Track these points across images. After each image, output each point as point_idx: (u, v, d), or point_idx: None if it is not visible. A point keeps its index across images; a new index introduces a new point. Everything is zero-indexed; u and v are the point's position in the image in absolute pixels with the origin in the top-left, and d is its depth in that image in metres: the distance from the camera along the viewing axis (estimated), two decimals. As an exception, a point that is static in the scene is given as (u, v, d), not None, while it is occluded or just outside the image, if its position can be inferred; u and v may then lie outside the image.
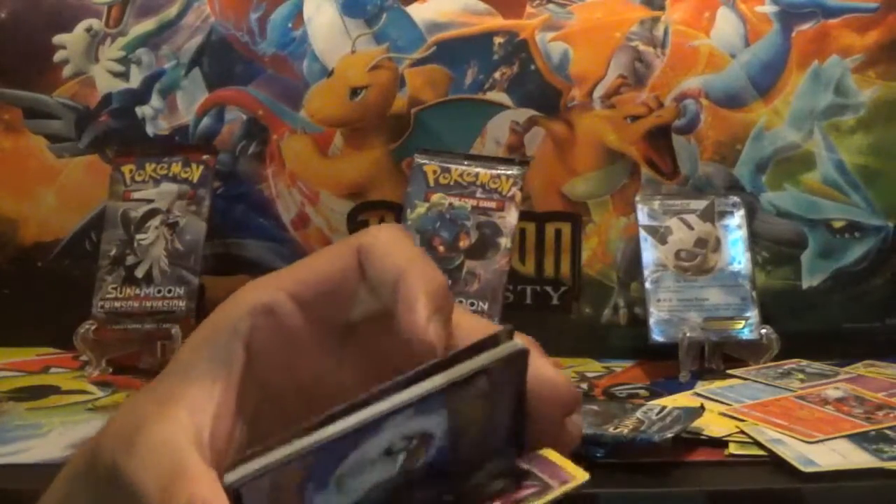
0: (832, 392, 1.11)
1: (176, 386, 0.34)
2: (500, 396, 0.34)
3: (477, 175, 1.28)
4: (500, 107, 1.36)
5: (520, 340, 0.34)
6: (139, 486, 0.31)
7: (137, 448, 0.32)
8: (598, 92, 1.36)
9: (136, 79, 1.39)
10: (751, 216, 1.32)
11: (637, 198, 1.31)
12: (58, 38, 1.38)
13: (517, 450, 0.34)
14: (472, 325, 0.35)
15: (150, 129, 1.39)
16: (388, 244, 0.35)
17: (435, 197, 1.28)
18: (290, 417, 0.34)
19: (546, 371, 0.34)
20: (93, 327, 1.23)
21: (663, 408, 1.01)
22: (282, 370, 0.35)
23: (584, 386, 1.21)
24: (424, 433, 0.32)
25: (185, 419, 0.33)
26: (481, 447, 0.34)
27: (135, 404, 0.35)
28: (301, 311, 0.35)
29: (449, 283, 0.36)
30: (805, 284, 1.36)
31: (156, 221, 1.29)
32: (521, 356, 0.34)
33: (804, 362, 1.24)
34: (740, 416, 1.03)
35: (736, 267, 1.28)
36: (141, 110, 1.39)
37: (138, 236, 1.28)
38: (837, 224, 1.36)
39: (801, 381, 1.17)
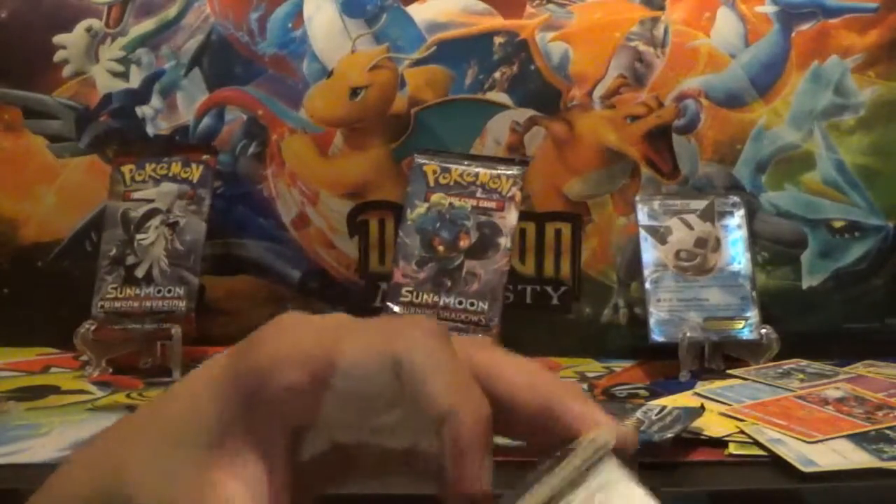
0: (832, 392, 1.11)
1: (205, 449, 0.32)
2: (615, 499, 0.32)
3: (477, 175, 1.28)
4: (500, 107, 1.36)
5: (604, 433, 0.32)
6: None
7: None
8: (598, 92, 1.36)
9: (136, 79, 1.39)
10: (751, 216, 1.32)
11: (637, 198, 1.31)
12: (58, 38, 1.38)
13: None
14: (512, 375, 0.33)
15: (150, 129, 1.39)
16: (430, 358, 0.31)
17: (435, 197, 1.28)
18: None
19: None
20: (93, 327, 1.23)
21: (663, 408, 1.01)
22: (331, 455, 0.33)
23: (585, 386, 1.21)
24: None
25: (240, 488, 0.31)
26: None
27: (162, 445, 0.33)
28: (339, 402, 0.32)
29: (489, 412, 0.32)
30: (805, 284, 1.36)
31: (156, 221, 1.29)
32: (607, 451, 0.32)
33: (804, 362, 1.24)
34: (740, 416, 1.03)
35: (736, 267, 1.28)
36: (141, 110, 1.39)
37: (138, 236, 1.28)
38: (837, 224, 1.36)
39: (801, 381, 1.17)
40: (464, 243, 1.26)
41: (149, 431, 0.34)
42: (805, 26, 1.35)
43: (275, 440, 0.32)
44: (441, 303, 1.23)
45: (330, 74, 1.37)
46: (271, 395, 0.32)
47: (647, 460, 0.93)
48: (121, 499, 0.33)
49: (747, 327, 1.25)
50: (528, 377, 0.33)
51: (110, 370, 1.22)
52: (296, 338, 0.32)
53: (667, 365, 1.24)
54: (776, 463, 0.93)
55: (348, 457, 0.34)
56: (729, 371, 1.21)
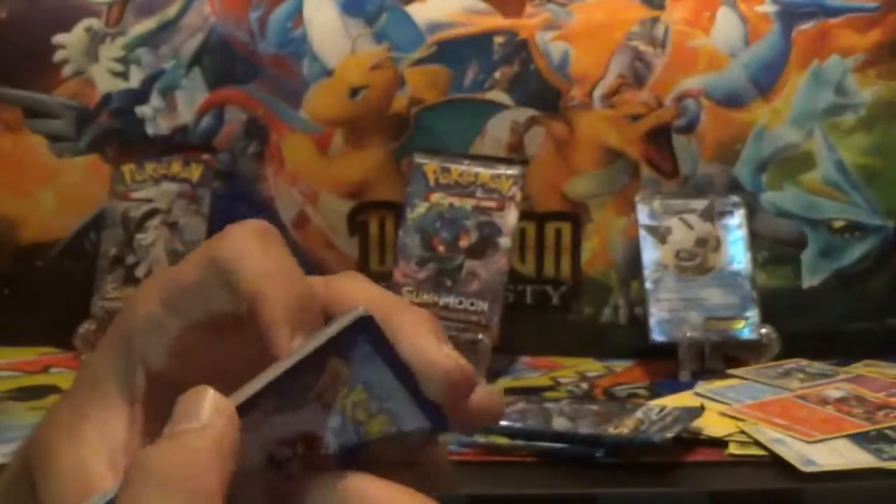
0: (832, 392, 1.11)
1: (86, 401, 0.33)
2: (372, 377, 0.31)
3: (477, 175, 1.28)
4: (500, 107, 1.36)
5: (363, 308, 0.31)
6: None
7: (51, 473, 0.32)
8: (598, 92, 1.36)
9: (136, 79, 1.39)
10: (751, 216, 1.32)
11: (637, 198, 1.31)
12: (58, 38, 1.38)
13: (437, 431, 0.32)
14: (354, 291, 0.34)
15: (150, 129, 1.39)
16: (242, 249, 0.33)
17: (435, 197, 1.28)
18: None
19: (426, 352, 0.32)
20: (93, 327, 1.23)
21: (663, 408, 1.01)
22: (183, 372, 0.34)
23: (585, 386, 1.21)
24: (306, 434, 0.31)
25: (96, 440, 0.32)
26: (390, 440, 0.32)
27: (56, 413, 0.34)
28: (175, 317, 0.33)
29: (305, 291, 0.33)
30: (805, 284, 1.36)
31: (156, 221, 1.29)
32: (366, 323, 0.31)
33: (804, 362, 1.24)
34: (740, 416, 1.03)
35: (736, 267, 1.28)
36: (141, 110, 1.39)
37: (138, 236, 1.28)
38: (837, 224, 1.36)
39: (801, 381, 1.17)
40: (464, 243, 1.26)
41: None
42: (805, 26, 1.35)
43: (132, 371, 0.33)
44: (441, 303, 1.23)
45: (330, 74, 1.37)
46: (125, 328, 0.34)
47: (647, 460, 0.93)
48: (27, 464, 0.34)
49: (747, 327, 1.25)
50: (373, 300, 0.33)
51: (110, 370, 1.22)
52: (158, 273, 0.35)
53: (667, 365, 1.24)
54: (776, 463, 0.93)
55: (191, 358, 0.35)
56: (729, 371, 1.21)
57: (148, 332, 0.34)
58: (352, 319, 0.31)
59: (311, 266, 1.38)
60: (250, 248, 0.33)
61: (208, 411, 0.29)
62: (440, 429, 0.32)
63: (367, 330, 0.31)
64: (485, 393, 0.33)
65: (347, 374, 0.31)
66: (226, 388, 0.31)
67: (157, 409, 0.33)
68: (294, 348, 0.31)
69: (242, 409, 0.30)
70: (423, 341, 0.32)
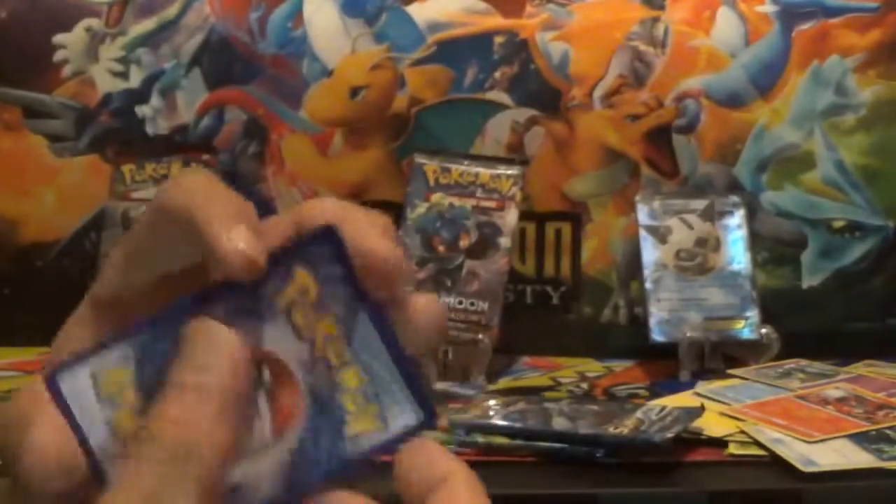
0: (832, 392, 1.11)
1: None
2: (343, 310, 0.31)
3: (477, 175, 1.28)
4: (500, 106, 1.36)
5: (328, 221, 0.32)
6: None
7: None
8: (598, 92, 1.36)
9: (136, 79, 1.39)
10: (751, 216, 1.32)
11: (637, 198, 1.31)
12: (58, 38, 1.38)
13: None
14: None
15: (150, 129, 1.39)
16: (183, 191, 0.33)
17: (435, 197, 1.28)
18: None
19: (367, 240, 0.32)
20: (93, 327, 1.23)
21: (663, 408, 1.01)
22: (121, 307, 0.36)
23: (585, 386, 1.21)
24: (271, 355, 0.31)
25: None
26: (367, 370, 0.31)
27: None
28: (137, 269, 0.35)
29: (242, 208, 0.33)
30: (805, 284, 1.36)
31: (156, 221, 1.28)
32: (331, 233, 0.31)
33: (804, 362, 1.24)
34: (740, 416, 1.03)
35: (736, 267, 1.28)
36: (141, 110, 1.39)
37: (138, 236, 1.28)
38: (837, 224, 1.36)
39: (801, 381, 1.17)
40: (464, 243, 1.26)
41: None
42: (805, 26, 1.35)
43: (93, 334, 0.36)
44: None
45: (330, 74, 1.37)
46: (94, 297, 0.37)
47: (647, 460, 0.93)
48: None
49: (747, 327, 1.25)
50: (335, 204, 0.34)
51: (110, 370, 1.22)
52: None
53: (667, 365, 1.24)
54: (776, 463, 0.93)
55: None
56: (729, 371, 1.21)
57: (105, 275, 0.36)
58: (316, 229, 0.31)
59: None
60: (190, 182, 0.34)
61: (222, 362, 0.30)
62: (420, 401, 0.31)
63: (332, 242, 0.31)
64: (425, 298, 0.33)
65: (315, 292, 0.31)
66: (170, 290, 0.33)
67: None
68: (236, 246, 0.31)
69: (197, 300, 0.30)
70: (367, 233, 0.32)
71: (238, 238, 0.31)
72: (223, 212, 0.32)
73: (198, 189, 0.33)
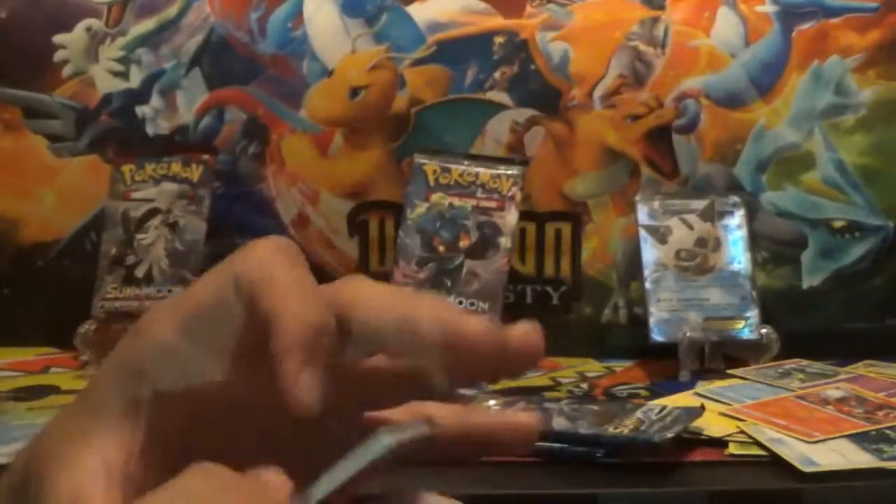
0: (832, 392, 1.11)
1: (88, 423, 0.33)
2: None
3: (477, 175, 1.28)
4: (500, 106, 1.36)
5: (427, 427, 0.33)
6: None
7: (46, 493, 0.32)
8: (598, 92, 1.36)
9: (136, 79, 1.39)
10: (751, 216, 1.32)
11: (637, 198, 1.31)
12: (58, 38, 1.38)
13: None
14: (371, 295, 0.33)
15: (150, 129, 1.39)
16: (264, 268, 0.32)
17: (435, 197, 1.28)
18: (218, 443, 0.34)
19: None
20: (93, 327, 1.23)
21: (663, 408, 1.01)
22: (191, 401, 0.34)
23: (585, 386, 1.21)
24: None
25: (96, 464, 0.32)
26: None
27: (55, 429, 0.34)
28: (191, 343, 0.33)
29: (333, 325, 0.32)
30: (805, 284, 1.36)
31: (156, 221, 1.29)
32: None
33: (804, 362, 1.24)
34: (740, 416, 1.03)
35: (736, 267, 1.28)
36: (141, 110, 1.39)
37: (138, 236, 1.28)
38: (837, 224, 1.36)
39: (801, 381, 1.17)
40: (464, 243, 1.26)
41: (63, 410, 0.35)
42: (805, 26, 1.35)
43: (139, 396, 0.33)
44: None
45: (330, 74, 1.37)
46: (135, 352, 0.34)
47: (647, 460, 0.93)
48: (25, 478, 0.34)
49: (747, 327, 1.25)
50: (387, 296, 0.33)
51: (110, 370, 1.22)
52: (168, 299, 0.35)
53: (667, 365, 1.24)
54: (776, 463, 0.93)
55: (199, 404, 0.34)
56: (729, 371, 1.21)
57: (161, 358, 0.33)
58: (416, 435, 0.33)
59: (311, 266, 1.37)
60: (272, 267, 0.32)
61: None
62: None
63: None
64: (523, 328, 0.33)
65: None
66: (237, 417, 0.32)
67: (160, 434, 0.33)
68: (303, 381, 0.31)
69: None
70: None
71: (304, 388, 0.31)
72: (301, 341, 0.31)
73: (285, 290, 0.32)
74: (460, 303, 1.22)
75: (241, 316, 0.32)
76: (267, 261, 0.33)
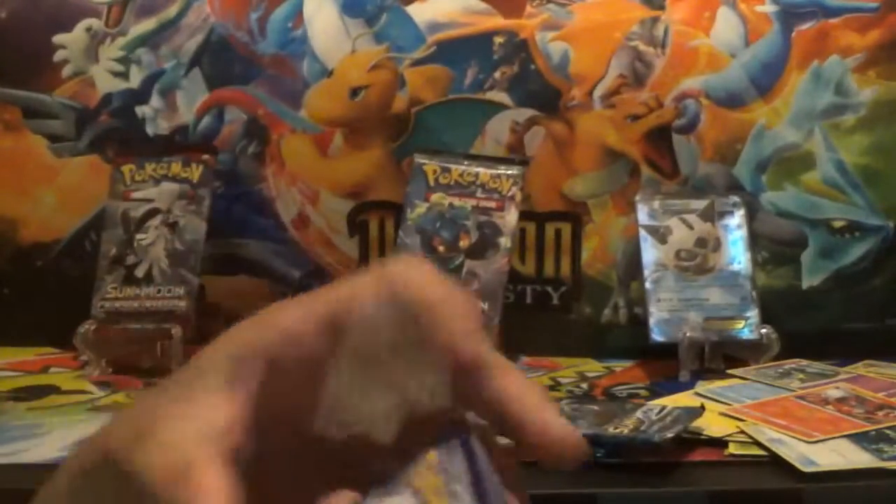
0: (832, 392, 1.11)
1: (193, 388, 0.33)
2: (453, 468, 0.33)
3: (477, 175, 1.28)
4: (500, 106, 1.36)
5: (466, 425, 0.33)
6: (147, 482, 0.31)
7: (148, 444, 0.31)
8: (598, 92, 1.36)
9: (136, 79, 1.39)
10: (751, 216, 1.32)
11: (637, 198, 1.31)
12: (58, 38, 1.38)
13: None
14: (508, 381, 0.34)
15: (150, 129, 1.39)
16: (416, 276, 0.34)
17: (435, 197, 1.28)
18: (302, 439, 0.34)
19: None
20: (93, 327, 1.23)
21: (663, 408, 1.01)
22: (299, 393, 0.34)
23: (585, 386, 1.21)
24: None
25: (200, 420, 0.32)
26: None
27: (147, 402, 0.34)
28: (325, 340, 0.33)
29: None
30: (805, 284, 1.36)
31: (156, 221, 1.29)
32: (466, 441, 0.33)
33: (804, 362, 1.24)
34: (740, 416, 1.03)
35: (736, 267, 1.28)
36: (141, 110, 1.39)
37: (138, 236, 1.28)
38: (837, 224, 1.36)
39: (801, 381, 1.17)
40: (464, 243, 1.26)
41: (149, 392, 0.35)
42: (805, 26, 1.35)
43: (253, 375, 0.33)
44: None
45: (330, 74, 1.37)
46: (259, 337, 0.34)
47: (647, 460, 0.93)
48: (107, 450, 0.33)
49: (747, 327, 1.25)
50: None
51: (110, 370, 1.22)
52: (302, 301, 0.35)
53: (667, 365, 1.24)
54: (776, 463, 0.93)
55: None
56: (729, 371, 1.21)
57: (283, 341, 0.34)
58: (453, 428, 0.33)
59: (312, 266, 1.38)
60: (424, 275, 0.34)
61: None
62: None
63: (465, 443, 0.34)
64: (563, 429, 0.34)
65: (440, 482, 0.33)
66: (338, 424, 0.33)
67: (260, 413, 0.33)
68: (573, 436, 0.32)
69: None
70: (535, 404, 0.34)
71: (568, 428, 0.33)
72: (528, 388, 0.33)
73: (441, 295, 0.34)
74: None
75: (392, 316, 0.33)
76: (414, 269, 0.34)
